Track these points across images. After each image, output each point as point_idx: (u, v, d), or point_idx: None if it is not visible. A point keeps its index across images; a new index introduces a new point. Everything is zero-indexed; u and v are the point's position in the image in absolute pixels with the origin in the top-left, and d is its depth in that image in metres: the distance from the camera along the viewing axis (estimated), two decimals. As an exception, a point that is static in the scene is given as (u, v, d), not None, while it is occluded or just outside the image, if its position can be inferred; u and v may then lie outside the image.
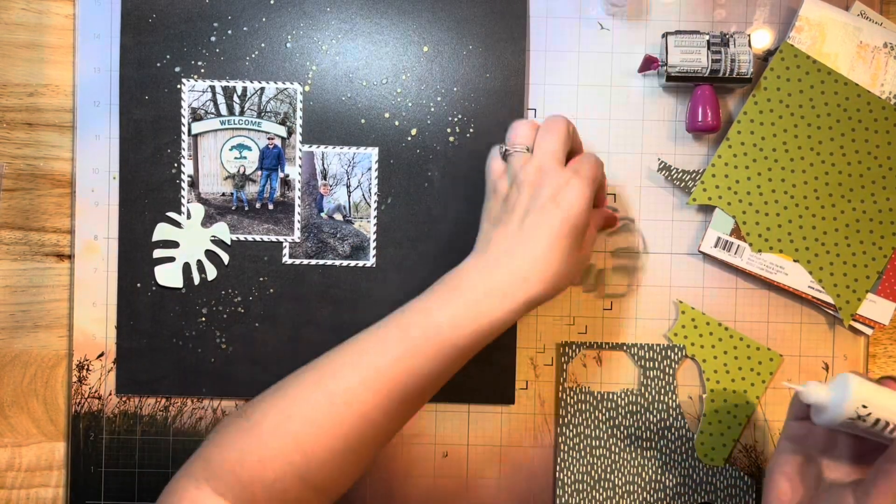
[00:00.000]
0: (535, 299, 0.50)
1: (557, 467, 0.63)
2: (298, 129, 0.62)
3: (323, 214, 0.62)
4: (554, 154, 0.52)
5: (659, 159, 0.63)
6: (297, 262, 0.62)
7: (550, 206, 0.50)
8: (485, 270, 0.50)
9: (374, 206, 0.62)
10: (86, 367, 0.63)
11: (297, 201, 0.62)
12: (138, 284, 0.62)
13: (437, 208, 0.62)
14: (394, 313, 0.51)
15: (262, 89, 0.62)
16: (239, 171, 0.62)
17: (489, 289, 0.49)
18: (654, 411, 0.63)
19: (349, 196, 0.62)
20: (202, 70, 0.62)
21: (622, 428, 0.63)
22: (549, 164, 0.51)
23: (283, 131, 0.62)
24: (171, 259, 0.62)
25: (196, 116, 0.62)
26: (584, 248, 0.53)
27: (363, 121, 0.62)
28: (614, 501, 0.62)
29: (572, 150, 0.54)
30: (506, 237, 0.51)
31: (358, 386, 0.48)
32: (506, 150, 0.54)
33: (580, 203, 0.50)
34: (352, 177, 0.62)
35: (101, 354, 0.63)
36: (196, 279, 0.62)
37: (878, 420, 0.43)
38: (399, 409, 0.49)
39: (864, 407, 0.43)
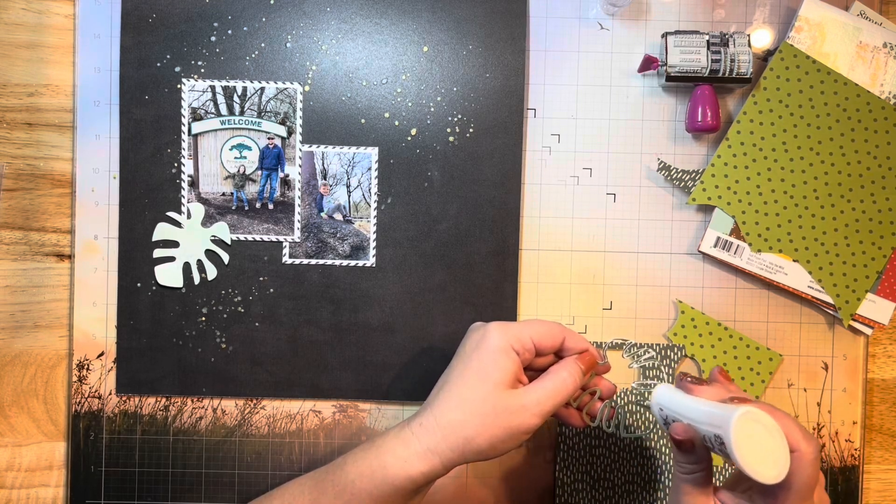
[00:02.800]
0: (443, 458, 0.49)
1: (557, 467, 0.63)
2: (298, 129, 0.62)
3: (323, 214, 0.62)
4: (499, 324, 0.52)
5: (659, 159, 0.63)
6: (297, 261, 0.62)
7: (471, 351, 0.51)
8: (399, 435, 0.51)
9: (374, 205, 0.62)
10: (86, 366, 0.63)
11: (297, 201, 0.62)
12: (138, 284, 0.62)
13: (437, 208, 0.62)
14: (329, 464, 0.53)
15: (262, 89, 0.62)
16: (239, 170, 0.62)
17: (397, 455, 0.50)
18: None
19: (349, 196, 0.62)
20: (202, 70, 0.62)
21: (622, 428, 0.62)
22: (484, 325, 0.52)
23: (283, 131, 0.62)
24: (172, 259, 0.62)
25: (196, 116, 0.62)
26: (518, 406, 0.50)
27: (363, 121, 0.62)
28: (614, 501, 0.62)
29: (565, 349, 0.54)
30: (433, 390, 0.52)
31: None
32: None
33: (495, 346, 0.50)
34: (352, 177, 0.62)
35: (101, 354, 0.63)
36: (196, 279, 0.62)
37: (668, 416, 0.49)
38: None
39: (661, 409, 0.49)
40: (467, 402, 0.49)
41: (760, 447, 0.42)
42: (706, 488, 0.47)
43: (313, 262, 0.62)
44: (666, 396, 0.49)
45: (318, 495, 0.51)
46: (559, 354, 0.53)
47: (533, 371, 0.53)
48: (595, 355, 0.53)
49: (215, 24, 0.62)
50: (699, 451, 0.46)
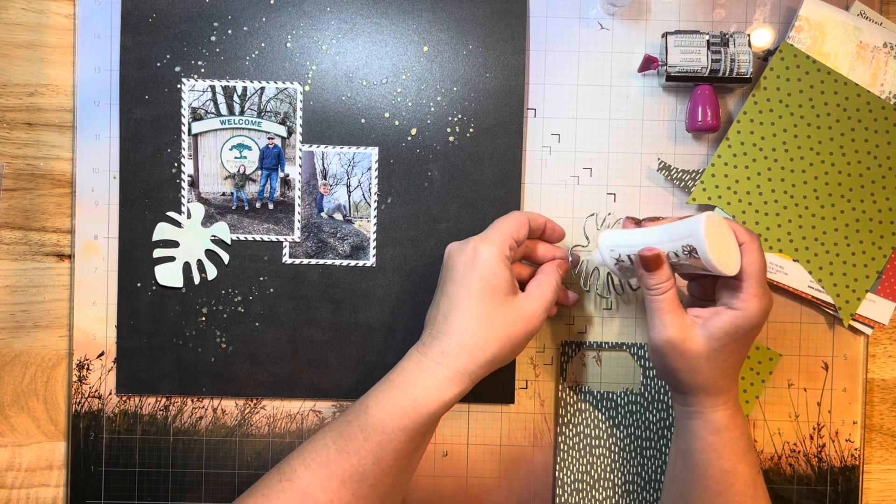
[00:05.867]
0: (473, 376, 0.51)
1: (557, 467, 0.63)
2: (298, 129, 0.62)
3: (323, 214, 0.62)
4: (481, 238, 0.53)
5: (659, 159, 0.63)
6: (297, 261, 0.62)
7: (467, 271, 0.52)
8: (420, 367, 0.52)
9: (374, 205, 0.62)
10: (86, 366, 0.63)
11: (297, 201, 0.62)
12: (138, 284, 0.62)
13: (437, 208, 0.62)
14: (342, 415, 0.53)
15: (262, 89, 0.62)
16: (239, 170, 0.62)
17: (426, 386, 0.51)
18: (654, 411, 0.63)
19: (349, 196, 0.62)
20: (202, 70, 0.62)
21: (622, 428, 0.63)
22: (466, 243, 0.54)
23: (283, 131, 0.62)
24: (172, 259, 0.62)
25: (196, 116, 0.62)
26: (520, 319, 0.52)
27: (363, 121, 0.62)
28: (614, 501, 0.62)
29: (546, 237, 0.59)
30: (434, 318, 0.53)
31: (297, 466, 0.51)
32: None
33: (490, 258, 0.52)
34: (352, 176, 0.62)
35: (102, 354, 0.63)
36: (196, 279, 0.62)
37: (621, 255, 0.54)
38: (356, 492, 0.50)
39: (612, 250, 0.55)
40: (487, 320, 0.51)
41: (721, 245, 0.49)
42: (678, 306, 0.52)
43: (313, 261, 0.62)
44: (615, 237, 0.55)
45: (346, 443, 0.51)
46: (530, 236, 0.57)
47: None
48: (565, 262, 0.59)
49: (215, 24, 0.62)
50: (666, 269, 0.52)
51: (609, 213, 0.63)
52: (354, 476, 0.50)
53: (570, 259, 0.59)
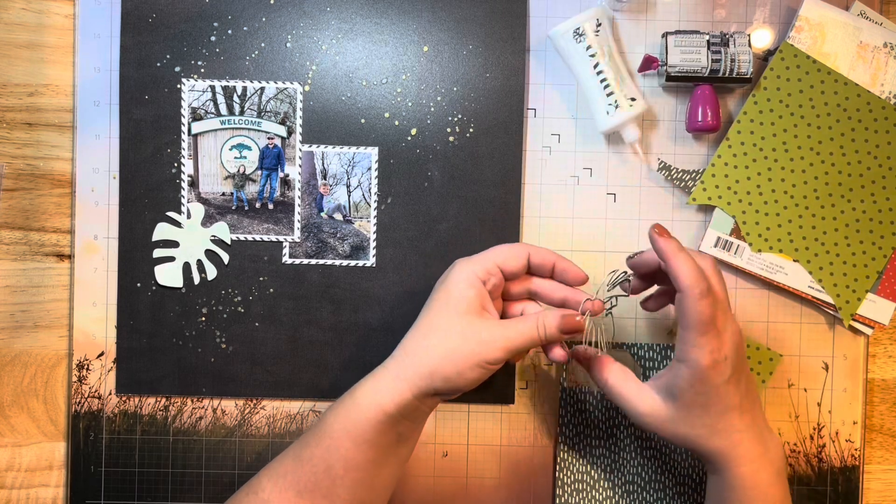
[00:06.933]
0: (413, 387, 0.51)
1: (557, 467, 0.63)
2: (298, 129, 0.62)
3: (323, 214, 0.62)
4: (466, 258, 0.54)
5: (659, 159, 0.63)
6: (297, 261, 0.62)
7: (437, 286, 0.53)
8: (372, 373, 0.53)
9: (374, 205, 0.62)
10: (86, 366, 0.63)
11: (297, 201, 0.62)
12: (138, 284, 0.62)
13: (437, 208, 0.62)
14: (308, 430, 0.54)
15: (262, 89, 0.62)
16: (239, 170, 0.62)
17: (366, 389, 0.51)
18: (654, 411, 0.62)
19: (349, 196, 0.62)
20: (202, 70, 0.62)
21: (622, 428, 0.63)
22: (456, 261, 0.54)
23: (283, 131, 0.62)
24: (171, 259, 0.62)
25: (196, 116, 0.62)
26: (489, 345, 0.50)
27: (363, 121, 0.62)
28: (614, 501, 0.62)
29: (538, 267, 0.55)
30: (409, 338, 0.53)
31: (263, 479, 0.52)
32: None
33: (458, 275, 0.52)
34: (352, 176, 0.62)
35: (101, 354, 0.63)
36: (196, 279, 0.62)
37: None
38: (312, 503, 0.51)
39: None
40: (434, 331, 0.51)
41: None
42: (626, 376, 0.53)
43: (313, 262, 0.62)
44: None
45: (301, 450, 0.52)
46: (535, 273, 0.55)
47: (508, 301, 0.56)
48: (573, 314, 0.51)
49: (215, 24, 0.62)
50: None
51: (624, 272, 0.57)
52: (308, 485, 0.50)
53: (580, 314, 0.51)
